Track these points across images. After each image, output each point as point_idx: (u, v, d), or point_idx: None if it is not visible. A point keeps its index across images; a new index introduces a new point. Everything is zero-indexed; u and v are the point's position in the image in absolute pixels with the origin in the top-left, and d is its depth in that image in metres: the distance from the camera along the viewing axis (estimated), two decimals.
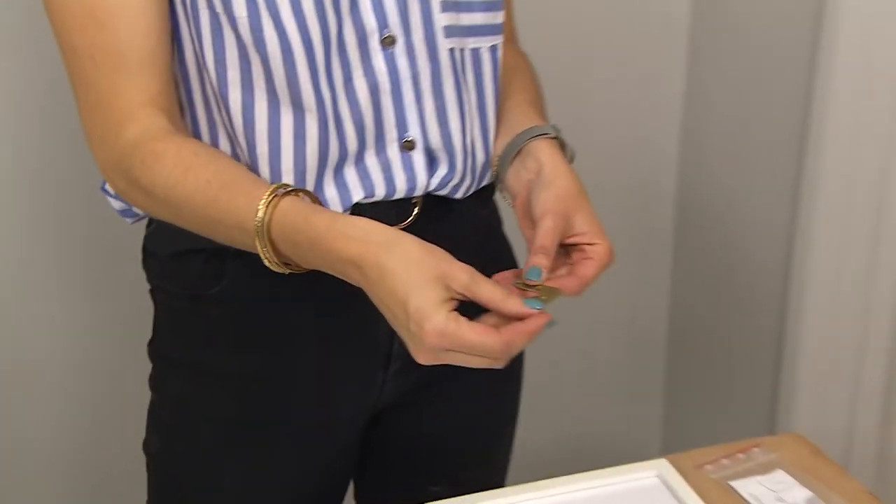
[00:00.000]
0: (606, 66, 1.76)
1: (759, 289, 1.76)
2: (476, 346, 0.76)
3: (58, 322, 1.57)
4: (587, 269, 0.88)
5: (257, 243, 0.82)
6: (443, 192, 0.97)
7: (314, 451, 1.03)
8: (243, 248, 0.84)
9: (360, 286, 0.79)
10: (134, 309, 1.08)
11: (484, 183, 1.01)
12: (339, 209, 0.92)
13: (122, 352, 1.25)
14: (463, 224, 0.99)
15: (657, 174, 1.90)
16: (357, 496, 1.20)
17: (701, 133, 1.85)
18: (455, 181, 0.97)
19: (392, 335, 0.99)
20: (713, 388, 1.94)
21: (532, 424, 1.95)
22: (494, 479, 1.19)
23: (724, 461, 1.09)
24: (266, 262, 0.82)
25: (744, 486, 1.05)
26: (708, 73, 1.81)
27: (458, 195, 0.99)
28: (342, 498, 1.13)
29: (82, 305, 1.58)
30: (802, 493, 1.04)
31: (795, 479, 1.06)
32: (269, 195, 0.81)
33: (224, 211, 0.83)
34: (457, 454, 1.14)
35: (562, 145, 0.97)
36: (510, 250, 1.12)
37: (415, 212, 0.95)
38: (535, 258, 0.85)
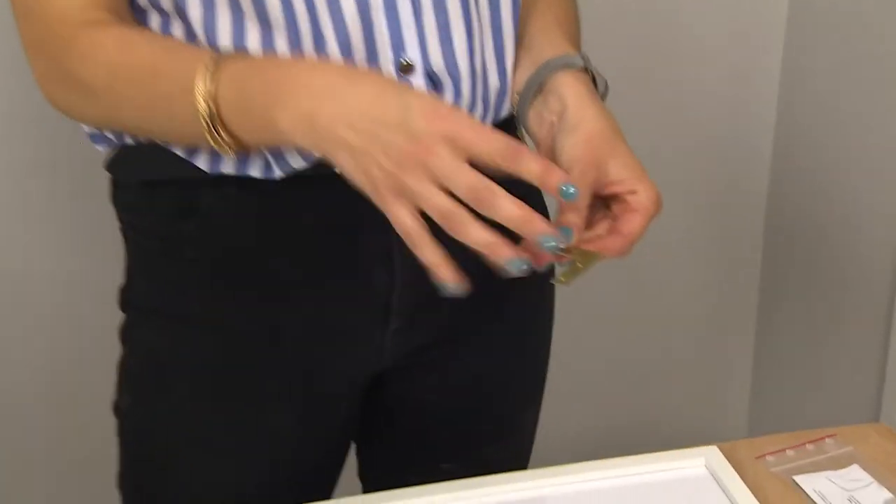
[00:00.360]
0: (699, 60, 1.63)
1: (862, 272, 1.59)
2: (483, 134, 0.64)
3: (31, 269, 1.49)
4: (630, 223, 0.75)
5: (199, 86, 0.69)
6: None
7: (306, 414, 0.91)
8: (187, 137, 0.73)
9: (312, 116, 0.66)
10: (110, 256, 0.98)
11: (503, 115, 0.87)
12: None
13: (98, 303, 1.14)
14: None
15: (749, 164, 1.76)
16: (361, 473, 1.09)
17: (797, 121, 1.69)
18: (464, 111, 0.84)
19: (391, 287, 0.87)
20: (809, 372, 1.77)
21: (609, 408, 1.84)
22: (516, 460, 1.06)
23: (790, 452, 0.94)
24: (208, 129, 0.71)
25: (810, 481, 0.90)
26: (805, 66, 1.65)
27: None
28: (338, 469, 1.01)
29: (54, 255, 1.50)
30: (881, 494, 0.88)
31: (874, 476, 0.90)
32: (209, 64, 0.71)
33: (166, 76, 0.72)
34: (469, 427, 1.01)
35: (592, 79, 0.83)
36: (542, 199, 0.97)
37: None
38: (564, 216, 0.73)
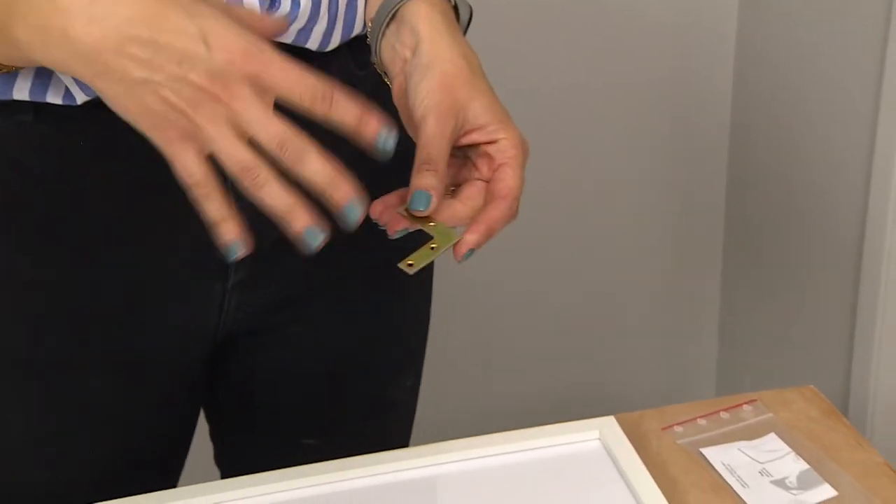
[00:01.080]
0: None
1: (833, 214, 1.50)
2: (302, 78, 0.56)
3: None
4: (504, 181, 0.66)
5: None
6: (292, 41, 0.72)
7: (133, 389, 0.81)
8: None
9: (63, 31, 0.55)
10: None
11: (356, 32, 0.77)
12: None
13: None
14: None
15: (711, 113, 1.67)
16: (217, 458, 1.00)
17: (758, 61, 1.59)
18: (302, 23, 0.72)
19: None
20: (779, 326, 1.69)
21: (560, 368, 1.76)
22: (392, 434, 0.97)
23: (701, 422, 0.85)
24: None
25: (718, 454, 0.81)
26: None
27: (314, 46, 0.74)
28: (182, 452, 0.92)
29: None
30: (796, 465, 0.80)
31: (791, 446, 0.81)
32: None
33: None
34: (330, 400, 0.92)
35: (455, 7, 0.72)
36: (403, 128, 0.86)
37: None
38: (418, 178, 0.63)
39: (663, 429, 0.84)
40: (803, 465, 0.79)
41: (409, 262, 0.65)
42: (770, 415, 0.86)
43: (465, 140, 0.67)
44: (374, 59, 0.73)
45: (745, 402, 0.87)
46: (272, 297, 0.82)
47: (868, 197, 1.40)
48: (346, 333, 0.87)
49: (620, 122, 1.66)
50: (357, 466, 0.78)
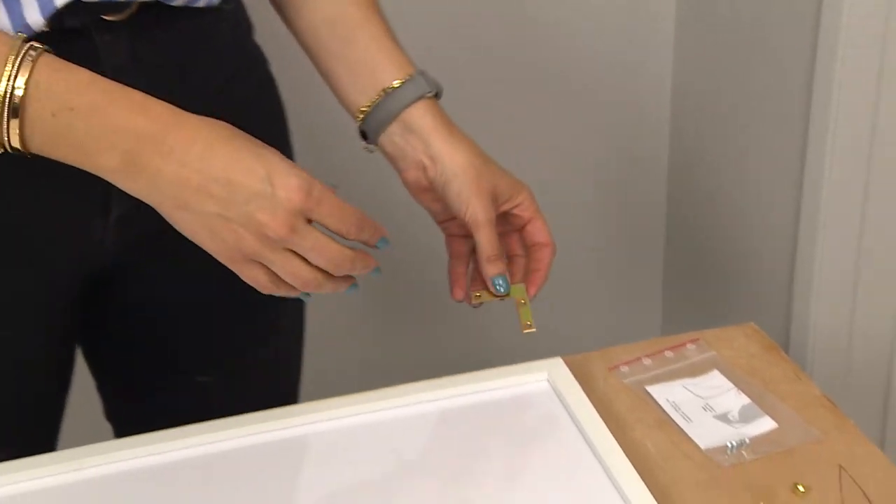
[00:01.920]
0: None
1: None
2: (344, 212, 0.68)
3: None
4: (546, 256, 0.85)
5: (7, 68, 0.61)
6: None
7: (13, 330, 0.78)
8: None
9: (137, 168, 0.63)
10: None
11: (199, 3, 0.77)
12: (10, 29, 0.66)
13: None
14: (185, 37, 0.76)
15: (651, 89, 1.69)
16: (107, 412, 0.97)
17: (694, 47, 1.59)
18: None
19: None
20: (722, 267, 1.71)
21: (509, 313, 1.77)
22: (284, 363, 0.96)
23: (646, 361, 0.87)
24: None
25: (662, 391, 0.83)
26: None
27: None
28: (58, 405, 0.88)
29: None
30: (738, 399, 0.82)
31: (734, 381, 0.84)
32: (18, 54, 0.62)
33: None
34: (218, 330, 0.90)
35: (436, 94, 0.83)
36: (264, 62, 0.90)
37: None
38: (492, 268, 0.81)
39: (609, 369, 0.86)
40: (744, 400, 0.82)
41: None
42: (712, 352, 0.88)
43: (500, 211, 0.83)
44: (369, 145, 0.84)
45: (689, 341, 0.89)
46: (150, 230, 0.77)
47: (807, 136, 1.42)
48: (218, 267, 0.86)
49: (564, 80, 1.66)
50: (309, 412, 0.78)
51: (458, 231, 0.85)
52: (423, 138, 0.81)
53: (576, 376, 0.81)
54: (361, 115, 0.83)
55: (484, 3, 1.56)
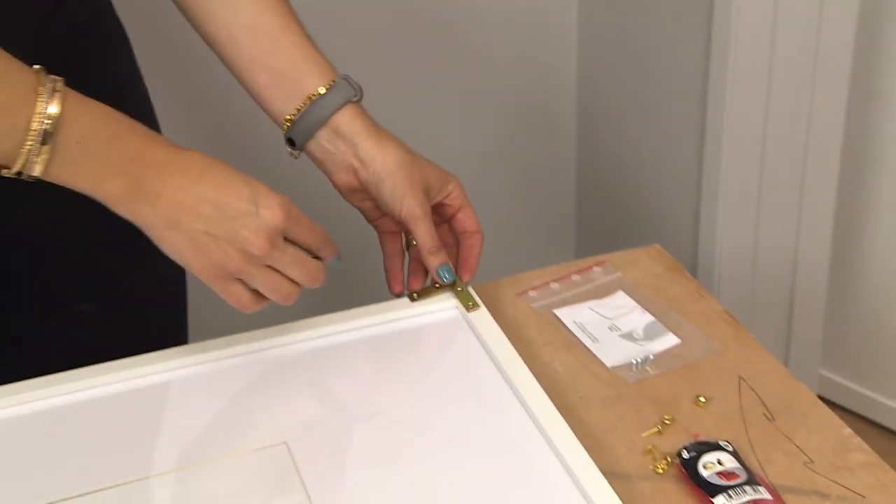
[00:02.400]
0: None
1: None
2: (315, 231, 0.75)
3: None
4: (476, 243, 0.86)
5: (39, 105, 0.65)
6: None
7: None
8: None
9: (140, 193, 0.69)
10: None
11: None
12: None
13: None
14: None
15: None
16: None
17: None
18: None
19: None
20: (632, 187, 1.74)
21: None
22: (165, 286, 0.94)
23: (554, 285, 0.88)
24: (31, 147, 0.65)
25: (570, 313, 0.85)
26: None
27: None
28: None
29: None
30: (643, 318, 0.84)
31: (638, 301, 0.86)
32: (44, 84, 0.66)
33: None
34: (91, 253, 0.88)
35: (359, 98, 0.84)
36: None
37: None
38: (435, 259, 0.83)
39: (518, 294, 0.88)
40: (649, 318, 0.84)
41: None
42: (618, 274, 0.90)
43: (432, 203, 0.85)
44: (295, 151, 0.85)
45: (595, 264, 0.91)
46: None
47: (709, 58, 1.44)
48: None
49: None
50: (221, 347, 0.78)
51: (390, 228, 0.86)
52: (353, 142, 0.83)
53: (485, 303, 0.83)
54: (288, 124, 0.84)
55: None
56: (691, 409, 0.75)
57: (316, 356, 0.79)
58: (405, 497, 0.66)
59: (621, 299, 0.86)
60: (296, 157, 0.87)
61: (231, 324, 0.86)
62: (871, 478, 0.69)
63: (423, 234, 0.82)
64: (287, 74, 0.83)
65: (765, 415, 0.74)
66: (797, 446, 0.71)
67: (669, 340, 0.81)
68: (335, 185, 0.86)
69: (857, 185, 1.65)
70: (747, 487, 0.66)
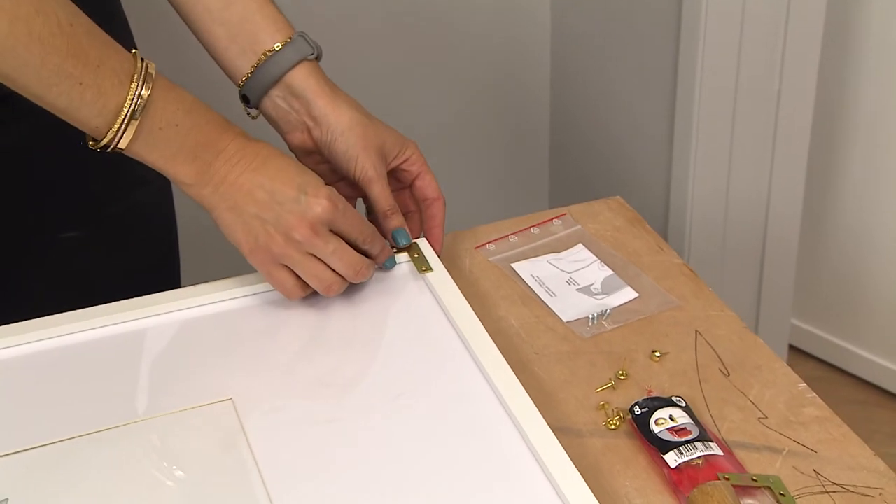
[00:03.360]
0: None
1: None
2: (363, 226, 0.77)
3: None
4: (438, 210, 0.85)
5: (133, 86, 0.70)
6: None
7: None
8: (65, 106, 0.69)
9: (209, 177, 0.74)
10: None
11: None
12: None
13: None
14: None
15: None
16: None
17: None
18: None
19: None
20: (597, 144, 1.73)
21: None
22: (156, 216, 0.95)
23: (513, 238, 0.88)
24: (120, 123, 0.70)
25: (528, 267, 0.84)
26: None
27: None
28: None
29: None
30: (601, 272, 0.83)
31: (597, 255, 0.85)
32: (141, 69, 0.71)
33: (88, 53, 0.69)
34: (75, 179, 0.88)
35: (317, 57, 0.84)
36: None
37: None
38: (391, 221, 0.82)
39: (476, 247, 0.86)
40: (607, 272, 0.83)
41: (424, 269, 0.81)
42: (578, 227, 0.89)
43: (388, 168, 0.84)
44: (251, 109, 0.85)
45: (555, 217, 0.90)
46: None
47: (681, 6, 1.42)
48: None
49: None
50: (178, 298, 0.77)
51: (347, 192, 0.85)
52: (307, 100, 0.83)
53: (442, 256, 0.82)
54: (243, 80, 0.84)
55: None
56: (646, 364, 0.74)
57: (263, 311, 0.78)
58: (348, 454, 0.66)
59: (580, 253, 0.86)
60: (253, 118, 0.86)
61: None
62: (823, 432, 0.69)
63: (377, 195, 0.82)
64: (243, 27, 0.82)
65: (720, 370, 0.74)
66: (751, 402, 0.71)
67: (627, 294, 0.81)
68: (289, 146, 0.85)
69: (830, 133, 1.64)
70: (698, 444, 0.66)
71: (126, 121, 0.70)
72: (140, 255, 0.94)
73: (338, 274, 0.76)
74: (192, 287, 0.80)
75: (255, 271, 0.78)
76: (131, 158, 0.84)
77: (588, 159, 1.78)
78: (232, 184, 0.74)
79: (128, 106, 0.70)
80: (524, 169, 1.88)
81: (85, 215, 0.90)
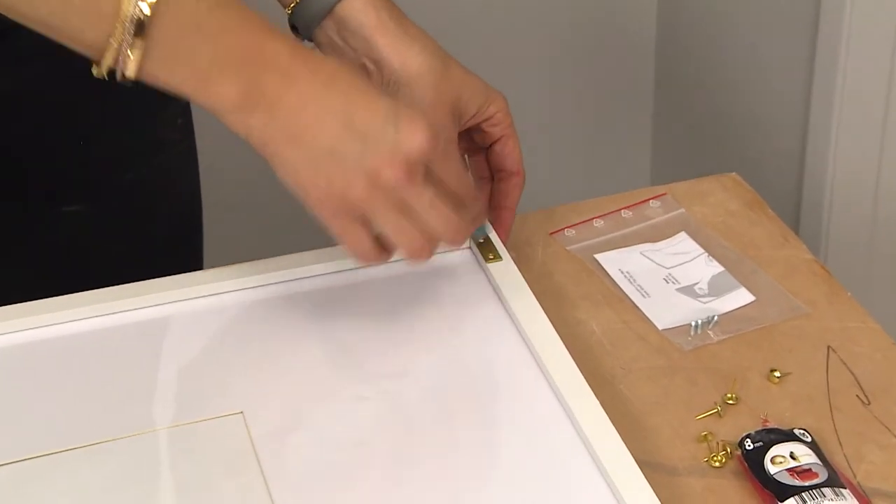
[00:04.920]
0: None
1: None
2: (463, 177, 0.70)
3: None
4: (515, 188, 0.78)
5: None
6: None
7: None
8: (60, 25, 0.63)
9: (256, 97, 0.65)
10: None
11: None
12: None
13: None
14: None
15: None
16: None
17: None
18: None
19: None
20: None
21: None
22: (170, 188, 0.92)
23: (598, 223, 0.82)
24: (121, 37, 0.62)
25: (616, 259, 0.79)
26: None
27: None
28: None
29: None
30: (709, 268, 0.79)
31: (705, 246, 0.81)
32: None
33: None
34: (82, 147, 0.85)
35: None
36: None
37: None
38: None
39: (551, 233, 0.82)
40: (717, 268, 0.78)
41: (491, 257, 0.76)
42: (681, 210, 0.84)
43: (464, 128, 0.77)
44: (303, 41, 0.79)
45: (652, 197, 0.84)
46: None
47: None
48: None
49: None
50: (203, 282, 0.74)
51: None
52: (365, 37, 0.77)
53: (510, 242, 0.77)
54: (290, 7, 0.79)
55: None
56: (762, 385, 0.70)
57: (295, 304, 0.74)
58: (381, 486, 0.62)
59: (683, 243, 0.80)
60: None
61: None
62: None
63: None
64: None
65: (858, 397, 0.69)
66: None
67: (741, 298, 0.75)
68: None
69: None
70: (827, 490, 0.61)
71: (131, 26, 0.62)
72: (156, 232, 0.92)
73: (429, 235, 0.68)
74: (213, 270, 0.76)
75: (292, 251, 0.74)
76: (148, 114, 0.83)
77: (698, 123, 1.72)
78: (291, 107, 0.65)
79: (129, 3, 0.61)
80: (618, 133, 1.84)
81: (90, 185, 0.87)
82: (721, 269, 0.77)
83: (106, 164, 0.88)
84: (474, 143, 0.79)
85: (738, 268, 0.77)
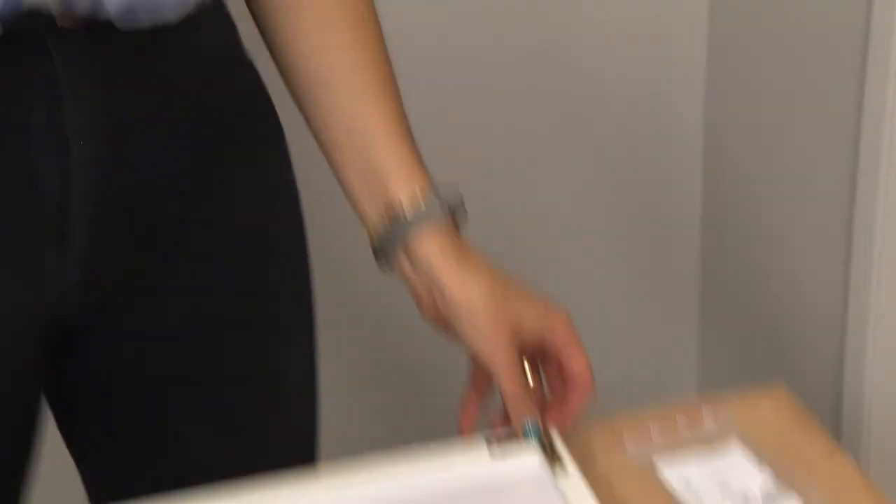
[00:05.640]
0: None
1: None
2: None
3: None
4: (581, 397, 0.85)
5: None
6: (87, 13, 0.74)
7: None
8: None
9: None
10: None
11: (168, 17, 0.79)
12: None
13: None
14: (158, 72, 0.80)
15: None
16: (84, 479, 0.97)
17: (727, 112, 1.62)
18: None
19: (65, 179, 0.75)
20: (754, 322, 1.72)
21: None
22: (287, 422, 0.97)
23: (654, 430, 0.88)
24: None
25: (672, 468, 0.83)
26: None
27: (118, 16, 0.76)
28: (27, 450, 0.88)
29: None
30: (762, 480, 0.82)
31: (756, 458, 0.84)
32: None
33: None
34: (202, 383, 0.91)
35: (453, 217, 0.85)
36: (262, 87, 0.93)
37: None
38: (517, 408, 0.83)
39: (612, 441, 0.86)
40: (769, 479, 0.82)
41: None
42: (733, 421, 0.88)
43: (530, 347, 0.84)
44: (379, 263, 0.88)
45: (705, 407, 0.89)
46: (120, 262, 0.82)
47: (855, 193, 1.42)
48: (211, 292, 0.88)
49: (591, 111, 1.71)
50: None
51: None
52: (427, 270, 0.83)
53: (573, 452, 0.81)
54: (373, 236, 0.86)
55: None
56: None
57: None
58: None
59: (736, 454, 0.85)
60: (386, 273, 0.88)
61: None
62: None
63: (505, 382, 0.82)
64: (374, 172, 0.85)
65: None
66: None
67: None
68: (420, 313, 0.87)
69: None
70: None
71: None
72: (275, 450, 0.96)
73: None
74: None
75: None
76: (264, 350, 0.95)
77: (745, 336, 1.77)
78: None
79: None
80: (670, 341, 1.89)
81: (210, 414, 0.93)
82: (773, 479, 0.81)
83: (224, 391, 0.92)
84: (543, 355, 0.85)
85: (789, 479, 0.81)
